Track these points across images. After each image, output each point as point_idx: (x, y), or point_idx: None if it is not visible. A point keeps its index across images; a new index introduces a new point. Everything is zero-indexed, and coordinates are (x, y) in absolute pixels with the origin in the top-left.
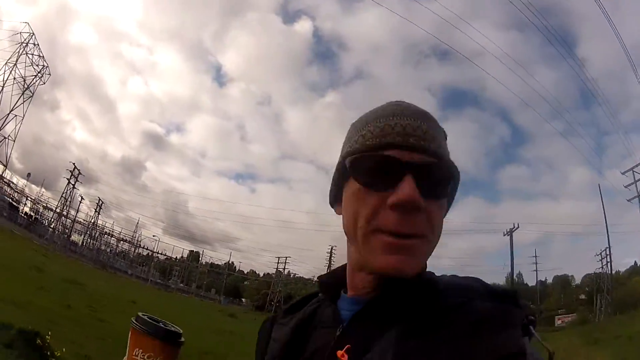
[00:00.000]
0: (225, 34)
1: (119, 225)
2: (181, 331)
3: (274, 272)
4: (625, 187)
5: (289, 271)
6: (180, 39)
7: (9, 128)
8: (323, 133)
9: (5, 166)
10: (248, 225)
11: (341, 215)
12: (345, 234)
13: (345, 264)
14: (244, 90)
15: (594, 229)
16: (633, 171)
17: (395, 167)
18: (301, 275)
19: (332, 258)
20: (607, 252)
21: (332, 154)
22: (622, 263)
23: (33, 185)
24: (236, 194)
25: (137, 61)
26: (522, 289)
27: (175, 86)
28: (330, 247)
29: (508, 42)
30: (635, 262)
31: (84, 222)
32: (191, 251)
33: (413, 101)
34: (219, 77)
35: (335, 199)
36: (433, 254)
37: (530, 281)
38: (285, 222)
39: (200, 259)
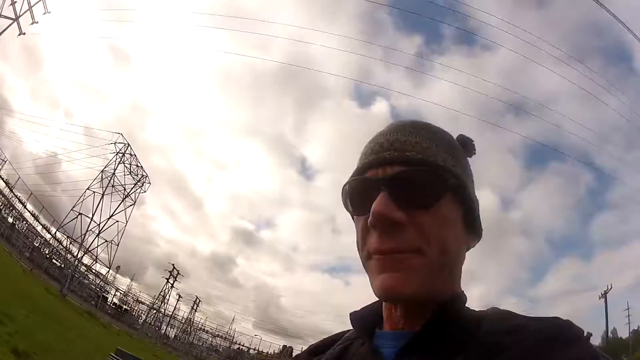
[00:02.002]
0: (304, 126)
1: (208, 318)
2: None
3: None
4: None
5: None
6: (260, 134)
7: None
8: None
9: (109, 268)
10: (343, 317)
11: None
12: None
13: (379, 300)
14: (331, 180)
15: None
16: None
17: (371, 187)
18: None
19: None
20: None
21: None
22: None
23: (120, 277)
24: (330, 287)
25: (221, 158)
26: (615, 343)
27: (262, 181)
28: None
29: (574, 76)
30: None
31: (177, 317)
32: (284, 346)
33: (497, 167)
34: (305, 170)
35: None
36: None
37: (624, 333)
38: None
39: (292, 353)
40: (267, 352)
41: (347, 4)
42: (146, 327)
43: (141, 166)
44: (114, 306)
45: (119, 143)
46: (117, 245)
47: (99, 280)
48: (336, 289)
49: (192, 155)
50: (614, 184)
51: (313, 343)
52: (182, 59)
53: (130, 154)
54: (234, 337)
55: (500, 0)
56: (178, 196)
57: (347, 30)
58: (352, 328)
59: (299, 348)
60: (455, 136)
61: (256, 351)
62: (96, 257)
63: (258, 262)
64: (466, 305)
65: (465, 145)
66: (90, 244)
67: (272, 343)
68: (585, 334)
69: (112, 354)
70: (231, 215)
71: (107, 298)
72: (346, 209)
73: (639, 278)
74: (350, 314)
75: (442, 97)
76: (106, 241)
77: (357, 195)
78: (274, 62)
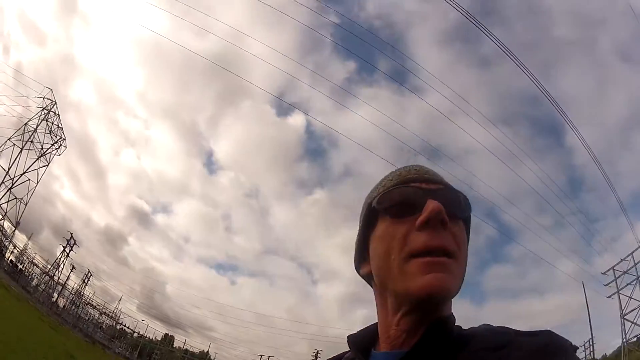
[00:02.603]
0: (220, 120)
1: (95, 293)
2: None
3: None
4: (605, 285)
5: None
6: (176, 118)
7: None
8: (308, 231)
9: (15, 227)
10: (225, 316)
11: (367, 274)
12: (377, 284)
13: (376, 322)
14: (233, 179)
15: (580, 318)
16: (613, 270)
17: (419, 193)
18: None
19: None
20: (590, 343)
21: (315, 252)
22: (611, 345)
23: (18, 233)
24: (216, 284)
25: (132, 132)
26: None
27: (166, 165)
28: (315, 351)
29: (497, 135)
30: (622, 341)
31: (68, 287)
32: (166, 334)
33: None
34: (210, 164)
35: (361, 259)
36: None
37: None
38: (263, 317)
39: (173, 343)
40: (150, 338)
41: (295, 13)
42: (39, 293)
43: (62, 128)
44: (10, 264)
45: (47, 99)
46: (26, 205)
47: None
48: (221, 287)
49: (105, 124)
50: (516, 238)
51: None
52: (122, 26)
53: (55, 113)
54: (119, 317)
55: (445, 52)
56: (84, 161)
57: (286, 38)
58: (349, 350)
59: (180, 338)
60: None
61: (139, 334)
62: (5, 213)
63: (149, 245)
64: (456, 324)
65: None
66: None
67: (156, 330)
68: (571, 346)
69: None
70: (130, 192)
71: (4, 255)
72: (383, 212)
73: (527, 329)
74: (347, 336)
75: (359, 126)
76: (16, 198)
77: (403, 200)
78: (207, 50)
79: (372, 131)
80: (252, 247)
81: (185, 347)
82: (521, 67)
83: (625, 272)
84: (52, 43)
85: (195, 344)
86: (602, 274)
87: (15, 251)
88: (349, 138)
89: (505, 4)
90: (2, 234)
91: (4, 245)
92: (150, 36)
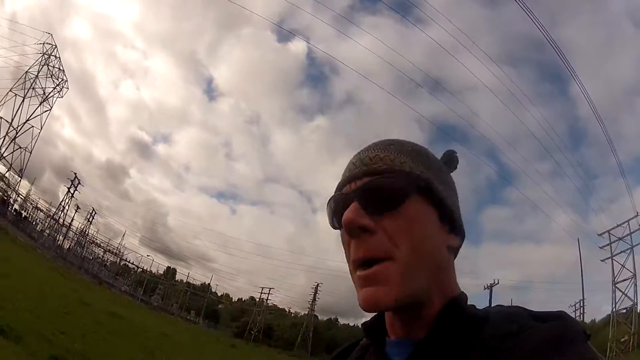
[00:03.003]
0: (219, 47)
1: (99, 230)
2: None
3: (248, 298)
4: (601, 247)
5: (259, 299)
6: (174, 47)
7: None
8: (309, 158)
9: (21, 177)
10: (225, 247)
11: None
12: None
13: None
14: (234, 106)
15: (573, 275)
16: (609, 233)
17: (343, 202)
18: (276, 304)
19: (317, 295)
20: (581, 305)
21: (316, 180)
22: (601, 311)
23: (23, 182)
24: (216, 213)
25: (130, 64)
26: None
27: (166, 95)
28: (315, 284)
29: (500, 76)
30: (612, 310)
31: (72, 227)
32: (168, 267)
33: (400, 132)
34: (210, 91)
35: None
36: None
37: None
38: (264, 247)
39: (175, 275)
40: (152, 272)
41: None
42: (44, 238)
43: (63, 70)
44: (14, 212)
45: (47, 44)
46: (30, 153)
47: (3, 184)
48: (222, 216)
49: (104, 58)
50: (515, 182)
51: (338, 348)
52: None
53: (55, 56)
54: (122, 253)
55: None
56: (82, 97)
57: None
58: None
59: (183, 271)
60: (442, 151)
61: (142, 270)
62: (10, 164)
63: (151, 177)
64: (469, 303)
65: (448, 161)
66: (4, 150)
67: (159, 264)
68: (584, 334)
69: None
70: (130, 124)
71: (11, 204)
72: (331, 226)
73: (522, 277)
74: (362, 324)
75: (361, 54)
76: (20, 147)
77: (336, 212)
78: None
79: (374, 60)
80: (253, 175)
81: (187, 280)
82: (528, 13)
83: (620, 239)
84: None
85: (197, 277)
86: (598, 235)
87: (19, 199)
88: (350, 67)
89: None
90: (7, 184)
91: (9, 196)
92: None
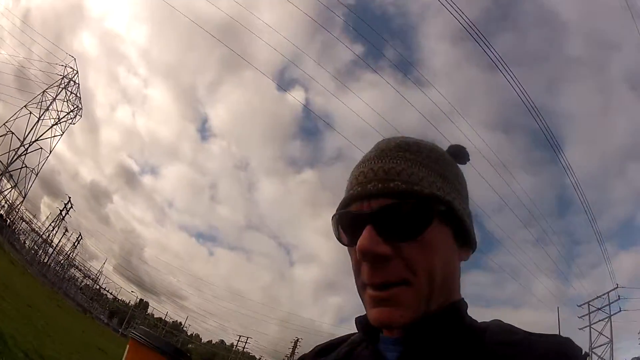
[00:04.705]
0: (219, 87)
1: (68, 245)
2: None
3: (218, 341)
4: (580, 317)
5: (236, 346)
6: (176, 80)
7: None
8: (292, 210)
9: (24, 197)
10: (199, 286)
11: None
12: None
13: None
14: (225, 149)
15: None
16: (589, 304)
17: (357, 221)
18: (250, 352)
19: (296, 351)
20: None
21: (297, 234)
22: None
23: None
24: (194, 253)
25: (130, 89)
26: None
27: (160, 126)
28: (295, 339)
29: (492, 141)
30: None
31: (53, 245)
32: (141, 299)
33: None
34: (203, 130)
35: None
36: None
37: None
38: (238, 292)
39: (147, 308)
40: (124, 301)
41: None
42: (26, 251)
43: (80, 97)
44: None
45: (69, 67)
46: (37, 175)
47: None
48: (199, 256)
49: (105, 77)
50: (498, 248)
51: (320, 344)
52: None
53: (75, 82)
54: (98, 277)
55: (444, 52)
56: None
57: (296, 14)
58: (357, 332)
59: (154, 304)
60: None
61: (114, 297)
62: (16, 183)
63: (133, 206)
64: (467, 312)
65: (457, 156)
66: (7, 165)
67: (130, 293)
68: (583, 353)
69: (134, 332)
70: (121, 149)
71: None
72: (337, 239)
73: None
74: (355, 318)
75: (357, 111)
76: (26, 167)
77: (346, 229)
78: (216, 15)
79: (370, 118)
80: (235, 219)
81: (158, 315)
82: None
83: (598, 309)
84: None
85: (164, 312)
86: (578, 306)
87: (5, 205)
88: (344, 120)
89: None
90: None
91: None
92: None
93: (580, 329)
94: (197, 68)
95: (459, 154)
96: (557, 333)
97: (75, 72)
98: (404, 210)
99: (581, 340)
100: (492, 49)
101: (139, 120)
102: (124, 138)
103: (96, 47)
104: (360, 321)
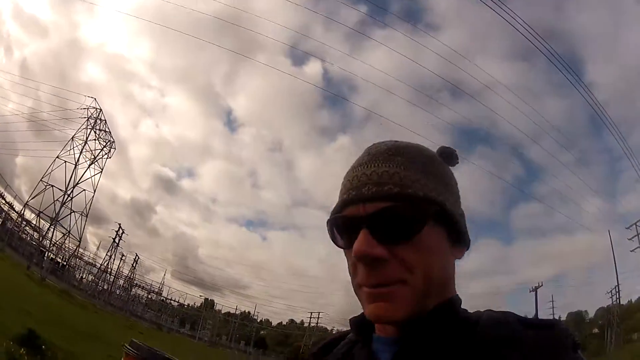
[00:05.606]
0: (235, 78)
1: (128, 265)
2: None
3: (288, 321)
4: (629, 239)
5: (308, 323)
6: (190, 82)
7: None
8: (334, 178)
9: (79, 242)
10: (259, 273)
11: None
12: None
13: None
14: (255, 135)
15: (608, 260)
16: (636, 225)
17: (352, 224)
18: (324, 326)
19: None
20: (617, 290)
21: None
22: (636, 290)
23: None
24: (247, 241)
25: (148, 103)
26: None
27: (187, 130)
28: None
29: (515, 73)
30: None
31: (113, 271)
32: (206, 299)
33: (425, 141)
34: (230, 122)
35: None
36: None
37: None
38: (297, 270)
39: (214, 306)
40: (189, 305)
41: None
42: (85, 284)
43: (110, 132)
44: (51, 262)
45: (92, 108)
46: (87, 217)
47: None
48: (253, 243)
49: (120, 98)
50: (542, 176)
51: (323, 339)
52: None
53: (101, 119)
54: (161, 289)
55: None
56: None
57: None
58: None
59: (219, 300)
60: (437, 147)
61: (179, 303)
62: (69, 231)
63: (177, 211)
64: (462, 307)
65: (447, 157)
66: (56, 216)
67: (193, 296)
68: (575, 344)
69: (126, 345)
70: (153, 161)
71: (44, 253)
72: (333, 242)
73: (559, 272)
74: (350, 319)
75: (376, 67)
76: (73, 212)
77: (342, 232)
78: (212, 8)
79: (391, 71)
80: (281, 200)
81: (225, 310)
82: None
83: None
84: (54, 32)
85: (232, 305)
86: (626, 228)
87: (52, 247)
88: (367, 80)
89: None
90: (40, 234)
91: (43, 244)
92: (152, 3)
93: (632, 250)
94: (209, 64)
95: (448, 155)
96: (555, 320)
97: (98, 110)
98: (398, 213)
99: (637, 258)
100: None
101: (164, 129)
102: (154, 150)
103: (103, 74)
104: (355, 322)
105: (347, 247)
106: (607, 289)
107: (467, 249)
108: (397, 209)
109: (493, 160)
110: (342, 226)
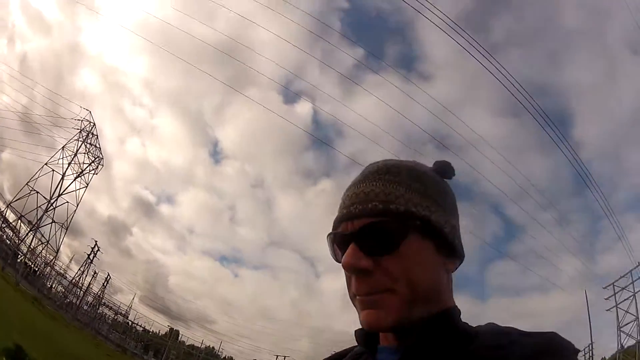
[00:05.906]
0: (226, 109)
1: (98, 283)
2: None
3: None
4: (606, 299)
5: None
6: (181, 107)
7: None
8: (313, 222)
9: (57, 253)
10: (227, 309)
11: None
12: None
13: None
14: (239, 169)
15: (581, 320)
16: (613, 285)
17: (344, 240)
18: None
19: None
20: (590, 348)
21: (320, 245)
22: (610, 347)
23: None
24: (219, 276)
25: (138, 121)
26: None
27: (172, 155)
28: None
29: (500, 128)
30: (617, 349)
31: (89, 291)
32: (171, 328)
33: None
34: (215, 153)
35: None
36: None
37: None
38: (266, 311)
39: (178, 336)
40: (154, 332)
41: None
42: (59, 297)
43: (100, 148)
44: (24, 266)
45: (86, 120)
46: (67, 229)
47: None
48: (224, 279)
49: (111, 111)
50: (520, 235)
51: (326, 357)
52: (128, 14)
53: (93, 134)
54: (128, 312)
55: (445, 38)
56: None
57: (293, 25)
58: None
59: (184, 332)
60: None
61: (143, 329)
62: (47, 240)
63: (153, 237)
64: (461, 318)
65: (442, 171)
66: (37, 223)
67: (159, 324)
68: (573, 349)
69: None
70: (135, 182)
71: (17, 256)
72: (333, 258)
73: (532, 327)
74: (355, 331)
75: (365, 115)
76: (54, 222)
77: (337, 247)
78: (213, 37)
79: (379, 120)
80: (257, 238)
81: (189, 342)
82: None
83: (623, 289)
84: (57, 32)
85: (197, 338)
86: (604, 288)
87: (25, 251)
88: (354, 128)
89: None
90: (17, 236)
91: (18, 248)
92: (156, 23)
93: (607, 310)
94: (202, 92)
95: (444, 169)
96: (553, 331)
97: (92, 124)
98: (381, 227)
99: (611, 318)
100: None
101: (150, 150)
102: (137, 170)
103: (98, 83)
104: (360, 334)
105: (339, 260)
106: (581, 347)
107: (461, 262)
108: (380, 224)
109: (472, 217)
110: (338, 242)
